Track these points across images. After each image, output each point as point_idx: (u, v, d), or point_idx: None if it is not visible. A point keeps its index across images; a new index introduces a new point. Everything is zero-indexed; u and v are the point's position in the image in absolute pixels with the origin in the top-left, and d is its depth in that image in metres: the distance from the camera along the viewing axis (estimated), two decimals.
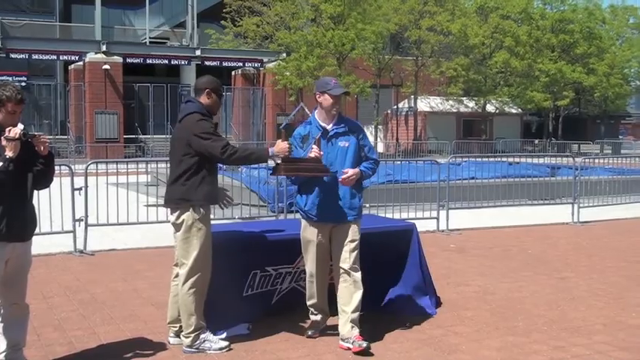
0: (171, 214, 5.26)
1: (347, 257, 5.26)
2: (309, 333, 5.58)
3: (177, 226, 5.23)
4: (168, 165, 5.58)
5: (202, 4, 49.59)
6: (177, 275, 5.34)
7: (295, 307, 5.90)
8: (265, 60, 41.96)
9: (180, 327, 5.32)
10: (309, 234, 5.36)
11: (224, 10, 41.44)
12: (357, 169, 5.28)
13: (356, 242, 5.30)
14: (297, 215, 8.98)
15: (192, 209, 5.12)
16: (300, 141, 5.31)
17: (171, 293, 5.44)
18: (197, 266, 5.16)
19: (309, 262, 5.44)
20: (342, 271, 5.28)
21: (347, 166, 5.25)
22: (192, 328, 5.20)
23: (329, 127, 5.30)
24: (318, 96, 5.31)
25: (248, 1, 40.71)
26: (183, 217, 5.15)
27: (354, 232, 5.30)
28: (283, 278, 5.94)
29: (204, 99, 5.31)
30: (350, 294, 5.26)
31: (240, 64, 42.89)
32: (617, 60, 51.75)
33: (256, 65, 42.74)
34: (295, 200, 5.47)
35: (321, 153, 5.18)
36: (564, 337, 5.66)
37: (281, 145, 5.08)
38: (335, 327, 5.48)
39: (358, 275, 5.29)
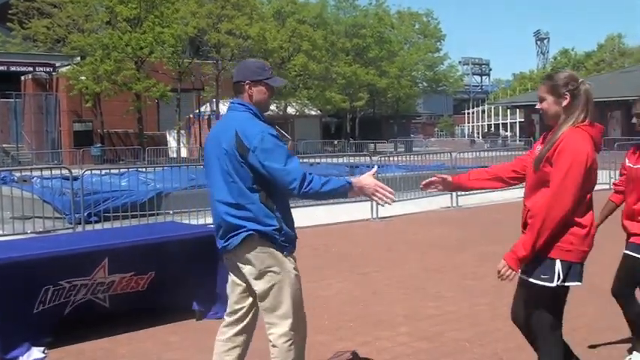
0: None
1: None
2: None
3: None
4: None
5: None
6: None
7: (90, 321, 5.68)
8: (58, 64, 40.04)
9: None
10: (294, 268, 3.95)
11: (10, 12, 39.00)
12: None
13: None
14: (97, 226, 8.42)
15: None
16: None
17: None
18: None
19: (299, 308, 3.92)
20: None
21: None
22: None
23: None
24: (248, 86, 3.79)
25: (36, 2, 38.57)
26: None
27: None
28: (78, 290, 5.52)
29: None
30: None
31: (31, 68, 40.67)
32: (406, 63, 55.18)
33: (48, 70, 40.67)
34: (273, 230, 3.81)
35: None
36: (369, 332, 5.80)
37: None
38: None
39: None
